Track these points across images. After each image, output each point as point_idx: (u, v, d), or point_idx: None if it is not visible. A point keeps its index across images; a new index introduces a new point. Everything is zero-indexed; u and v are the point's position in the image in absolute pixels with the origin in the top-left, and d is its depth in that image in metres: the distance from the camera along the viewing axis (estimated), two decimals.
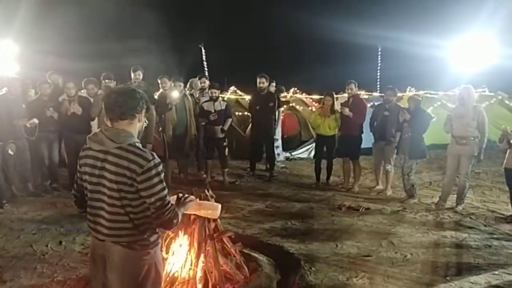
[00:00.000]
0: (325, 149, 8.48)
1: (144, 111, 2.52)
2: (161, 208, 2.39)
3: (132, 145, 2.41)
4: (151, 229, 2.51)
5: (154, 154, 2.44)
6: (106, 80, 7.95)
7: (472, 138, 6.67)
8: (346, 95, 8.64)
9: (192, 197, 2.87)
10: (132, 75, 8.39)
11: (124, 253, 2.45)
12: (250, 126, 9.94)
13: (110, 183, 2.39)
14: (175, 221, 2.43)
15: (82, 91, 8.08)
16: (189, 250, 3.74)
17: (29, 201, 7.14)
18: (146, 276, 2.50)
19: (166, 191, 2.41)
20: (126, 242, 2.45)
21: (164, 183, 2.42)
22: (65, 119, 7.48)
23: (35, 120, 7.09)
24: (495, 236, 5.74)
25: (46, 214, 6.57)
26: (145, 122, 2.60)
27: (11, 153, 6.90)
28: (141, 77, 8.43)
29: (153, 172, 2.36)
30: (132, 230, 2.44)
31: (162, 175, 2.42)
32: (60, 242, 5.35)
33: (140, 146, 2.47)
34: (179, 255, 3.77)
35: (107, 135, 2.43)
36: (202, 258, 3.71)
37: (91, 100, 7.82)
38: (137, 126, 2.52)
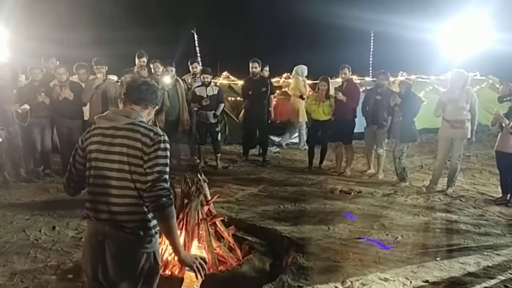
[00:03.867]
0: (320, 133, 8.52)
1: (156, 108, 2.64)
2: (158, 181, 2.33)
3: (143, 122, 2.48)
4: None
5: (164, 133, 2.47)
6: (98, 66, 7.88)
7: (466, 121, 6.73)
8: (338, 79, 8.64)
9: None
10: (137, 61, 8.29)
11: (125, 239, 2.41)
12: (242, 111, 9.95)
13: (121, 156, 2.38)
14: (164, 199, 2.29)
15: (74, 76, 8.02)
16: (182, 234, 3.76)
17: (22, 187, 7.13)
18: (145, 264, 2.46)
19: (167, 169, 2.40)
20: (130, 224, 2.40)
21: (168, 162, 2.42)
22: (57, 104, 7.43)
23: (26, 106, 7.05)
24: (484, 218, 5.83)
25: (38, 199, 6.57)
26: (151, 120, 2.68)
27: (1, 139, 6.86)
28: (145, 63, 8.34)
29: (162, 146, 2.38)
30: (138, 207, 2.40)
31: (168, 153, 2.43)
32: (54, 227, 5.36)
33: None
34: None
35: (119, 113, 2.50)
36: (195, 241, 3.74)
37: (83, 85, 7.77)
38: (145, 115, 2.58)
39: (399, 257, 4.52)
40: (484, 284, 3.93)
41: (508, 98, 7.17)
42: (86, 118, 7.92)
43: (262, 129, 9.19)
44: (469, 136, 6.80)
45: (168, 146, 2.43)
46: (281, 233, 5.05)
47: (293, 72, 10.62)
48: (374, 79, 10.09)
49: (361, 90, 9.07)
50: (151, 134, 2.39)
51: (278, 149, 10.87)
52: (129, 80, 2.70)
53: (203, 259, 2.50)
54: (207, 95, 8.16)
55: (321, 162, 8.68)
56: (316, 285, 3.88)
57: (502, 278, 4.07)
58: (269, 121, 9.21)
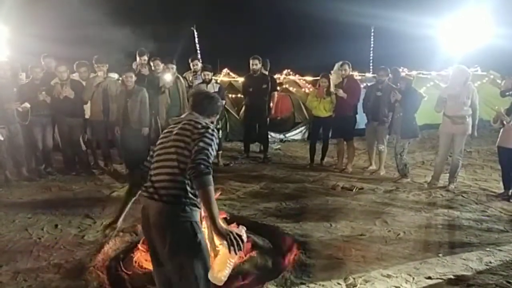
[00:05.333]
0: (321, 130, 8.52)
1: (217, 115, 3.12)
2: (199, 152, 2.57)
3: (200, 119, 2.86)
4: (193, 189, 2.66)
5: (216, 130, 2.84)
6: (99, 64, 7.87)
7: (467, 117, 6.73)
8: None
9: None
10: (138, 58, 8.28)
11: (161, 208, 2.66)
12: (243, 108, 9.93)
13: (175, 141, 2.75)
14: (203, 167, 2.49)
15: (74, 74, 8.01)
16: None
17: (24, 186, 7.12)
18: (183, 233, 2.64)
19: (211, 150, 2.63)
20: (167, 195, 2.66)
21: (213, 147, 2.67)
22: (58, 102, 7.43)
23: (27, 104, 7.04)
24: (486, 213, 5.83)
25: (40, 198, 6.57)
26: (212, 122, 3.00)
27: (2, 138, 6.87)
28: (146, 61, 8.33)
29: (209, 131, 2.72)
30: (175, 180, 2.66)
31: (216, 141, 2.72)
32: (56, 226, 5.36)
33: None
34: None
35: (186, 114, 2.97)
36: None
37: (84, 83, 7.77)
38: (208, 121, 2.92)
39: (401, 253, 4.52)
40: (487, 280, 3.92)
41: (510, 93, 7.16)
42: (87, 116, 7.92)
43: (262, 126, 9.18)
44: (470, 132, 6.80)
45: (216, 136, 2.74)
46: (283, 230, 5.06)
47: (335, 67, 10.57)
48: (375, 75, 10.08)
49: (362, 86, 9.04)
50: (202, 124, 2.78)
51: (279, 145, 10.87)
52: (193, 94, 3.21)
53: (239, 235, 2.53)
54: None
55: (322, 158, 8.68)
56: (319, 282, 3.88)
57: (504, 273, 4.06)
58: (268, 118, 9.16)
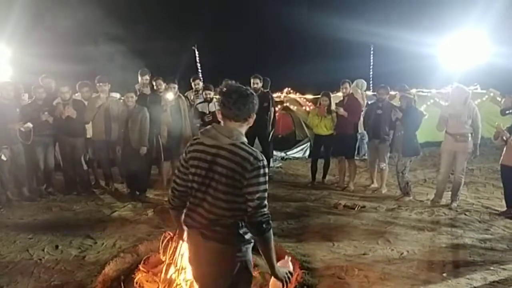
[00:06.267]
0: (322, 148, 8.51)
1: (254, 114, 2.63)
2: (259, 207, 2.48)
3: (244, 144, 2.53)
4: (245, 227, 2.59)
5: (263, 155, 2.54)
6: (101, 83, 7.92)
7: (469, 135, 6.73)
8: (339, 94, 8.66)
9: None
10: (140, 78, 8.33)
11: (215, 247, 2.56)
12: None
13: (219, 176, 2.50)
14: (264, 226, 2.48)
15: (76, 94, 8.06)
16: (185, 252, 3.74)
17: (25, 206, 7.10)
18: (238, 273, 2.59)
19: (266, 194, 2.52)
20: (220, 235, 2.55)
21: (267, 186, 2.52)
22: (60, 122, 7.45)
23: (30, 124, 7.06)
24: (490, 232, 5.80)
25: (41, 218, 6.54)
26: (249, 124, 2.66)
27: (4, 158, 6.87)
28: (148, 81, 8.37)
29: (261, 171, 2.48)
30: (229, 224, 2.55)
31: (267, 177, 2.53)
32: (57, 246, 5.33)
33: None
34: (178, 257, 3.77)
35: (221, 131, 2.56)
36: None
37: (86, 103, 7.81)
38: (246, 127, 2.63)
39: (405, 273, 4.48)
40: None
41: (510, 111, 7.17)
42: (89, 136, 7.94)
43: (264, 144, 9.17)
44: (471, 150, 6.78)
45: (267, 170, 2.52)
46: (285, 250, 5.02)
47: (353, 84, 10.72)
48: (375, 93, 10.13)
49: (363, 103, 9.09)
50: (251, 158, 2.46)
51: (280, 163, 10.86)
52: (224, 94, 2.57)
53: (290, 272, 2.72)
54: (209, 111, 8.17)
55: (324, 176, 8.68)
56: None
57: None
58: (270, 135, 9.17)
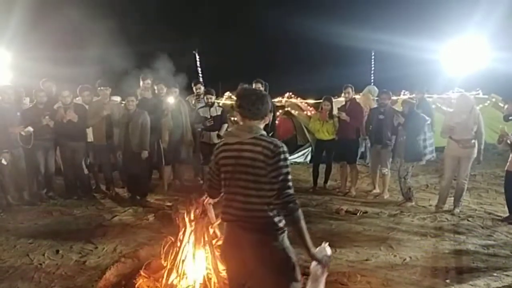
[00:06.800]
0: (324, 153, 8.49)
1: (270, 113, 2.88)
2: (283, 189, 2.62)
3: (264, 135, 2.73)
4: (278, 215, 2.69)
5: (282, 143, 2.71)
6: (102, 87, 7.91)
7: (474, 141, 6.70)
8: (341, 99, 8.64)
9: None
10: (141, 83, 8.31)
11: (254, 238, 2.69)
12: None
13: (246, 168, 2.68)
14: (292, 205, 2.61)
15: (77, 98, 8.05)
16: (188, 258, 3.72)
17: (25, 210, 7.06)
18: (280, 262, 2.70)
19: (290, 176, 2.66)
20: (256, 225, 2.69)
21: (289, 169, 2.66)
22: (61, 126, 7.44)
23: (30, 129, 7.04)
24: (492, 238, 5.76)
25: (42, 223, 6.51)
26: (266, 122, 2.86)
27: (5, 163, 6.86)
28: (149, 85, 8.35)
29: (282, 156, 2.63)
30: (263, 212, 2.67)
31: (289, 162, 2.68)
32: (57, 251, 5.29)
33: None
34: (179, 262, 3.75)
35: (242, 129, 2.78)
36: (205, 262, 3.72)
37: (87, 107, 7.80)
38: (263, 125, 2.84)
39: (408, 279, 4.45)
40: None
41: None
42: (90, 140, 7.92)
43: None
44: (475, 156, 6.75)
45: (288, 156, 2.69)
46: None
47: (365, 90, 10.77)
48: (377, 98, 10.11)
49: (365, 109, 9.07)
50: (271, 146, 2.64)
51: None
52: (243, 96, 2.82)
53: (328, 256, 2.84)
54: (210, 116, 8.15)
55: (325, 181, 8.64)
56: None
57: None
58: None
